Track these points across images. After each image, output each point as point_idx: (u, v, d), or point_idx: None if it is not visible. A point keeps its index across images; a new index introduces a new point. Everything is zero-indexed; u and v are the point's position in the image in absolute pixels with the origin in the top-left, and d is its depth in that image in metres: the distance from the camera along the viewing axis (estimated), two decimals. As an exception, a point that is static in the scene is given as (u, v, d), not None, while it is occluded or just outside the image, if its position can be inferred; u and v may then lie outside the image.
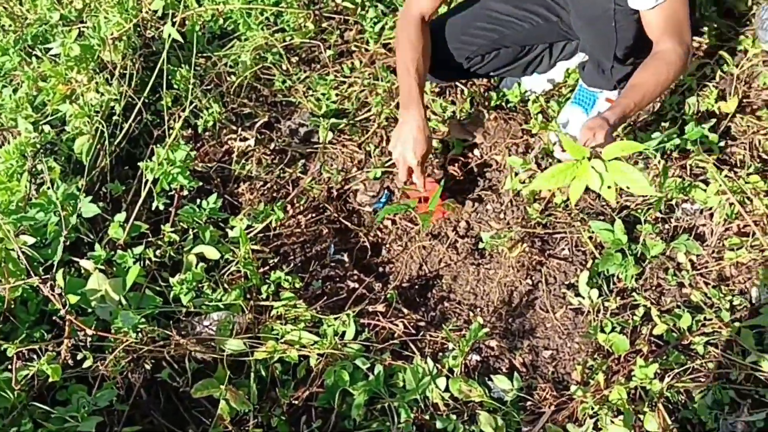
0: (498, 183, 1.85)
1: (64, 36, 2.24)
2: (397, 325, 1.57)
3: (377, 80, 2.16)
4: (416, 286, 1.70)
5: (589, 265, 1.64)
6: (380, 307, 1.61)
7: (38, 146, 1.92)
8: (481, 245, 1.72)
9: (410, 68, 1.69)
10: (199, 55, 2.22)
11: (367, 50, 2.30)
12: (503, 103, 2.02)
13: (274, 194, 1.91)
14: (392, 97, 2.07)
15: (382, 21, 2.34)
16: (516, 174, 1.80)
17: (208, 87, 2.17)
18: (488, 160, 1.90)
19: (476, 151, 1.92)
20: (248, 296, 1.61)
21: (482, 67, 1.88)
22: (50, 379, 1.36)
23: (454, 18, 1.83)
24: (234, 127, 2.06)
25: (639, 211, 1.70)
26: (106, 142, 1.89)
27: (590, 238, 1.68)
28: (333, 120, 2.03)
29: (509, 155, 1.86)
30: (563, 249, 1.69)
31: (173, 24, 1.70)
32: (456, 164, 1.87)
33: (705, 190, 1.71)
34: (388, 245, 1.79)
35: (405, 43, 1.71)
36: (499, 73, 1.97)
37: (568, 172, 1.29)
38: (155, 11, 2.48)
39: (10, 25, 2.50)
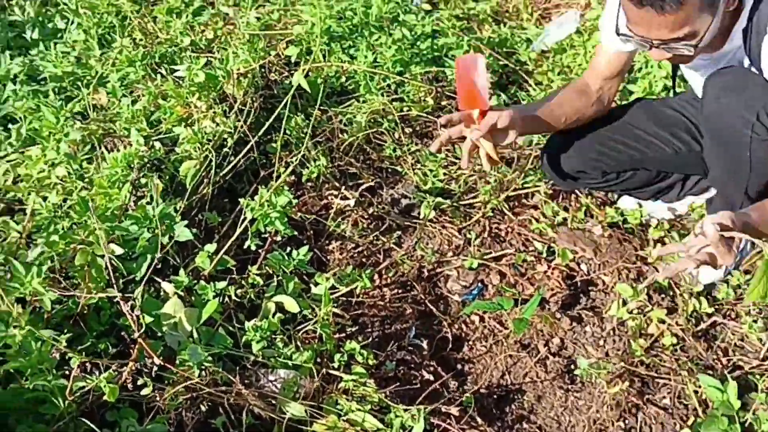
0: (602, 305, 1.72)
1: (192, 61, 2.30)
2: (469, 435, 1.43)
3: (489, 169, 2.10)
4: (495, 396, 1.56)
5: (690, 422, 1.47)
6: (454, 410, 1.47)
7: (145, 160, 1.92)
8: (575, 370, 1.58)
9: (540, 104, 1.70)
10: (317, 107, 2.22)
11: (481, 138, 2.26)
12: (620, 222, 1.91)
13: (364, 260, 1.83)
14: (502, 189, 2.00)
15: (500, 112, 2.31)
16: (624, 303, 1.67)
17: (320, 140, 2.16)
18: (594, 278, 1.78)
19: (583, 266, 1.81)
20: (319, 360, 1.51)
21: (615, 185, 1.80)
22: (104, 398, 1.28)
23: (594, 128, 1.74)
24: (337, 184, 2.02)
25: (754, 375, 1.54)
26: (212, 171, 1.88)
27: (695, 392, 1.52)
28: (437, 199, 1.97)
29: (619, 279, 1.74)
30: (664, 397, 1.53)
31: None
32: (560, 275, 1.76)
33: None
34: (471, 342, 1.67)
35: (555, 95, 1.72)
36: (626, 192, 1.88)
37: None
38: (282, 57, 2.54)
39: (140, 40, 2.58)
